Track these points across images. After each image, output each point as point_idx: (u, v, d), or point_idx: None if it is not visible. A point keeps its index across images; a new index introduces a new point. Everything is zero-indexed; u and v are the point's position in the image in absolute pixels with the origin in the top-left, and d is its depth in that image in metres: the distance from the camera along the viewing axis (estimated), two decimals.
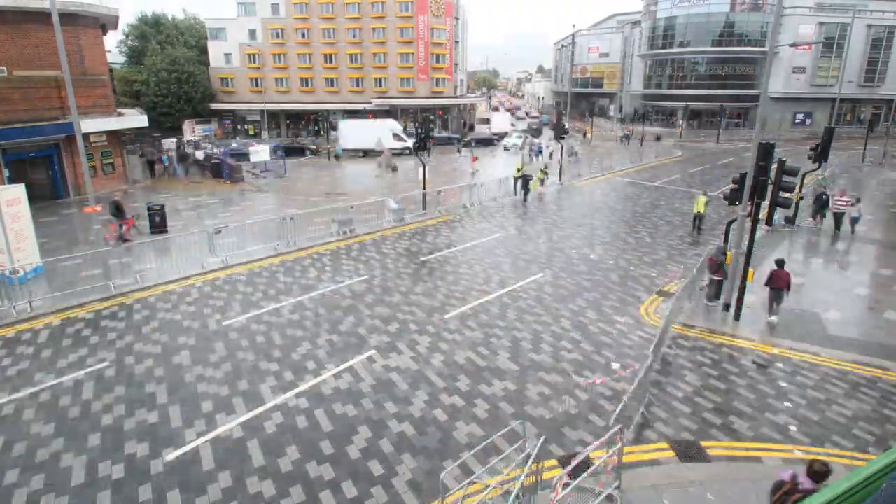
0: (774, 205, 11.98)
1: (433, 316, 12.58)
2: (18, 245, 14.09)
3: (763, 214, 12.41)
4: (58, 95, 22.78)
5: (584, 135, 53.27)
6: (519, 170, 26.12)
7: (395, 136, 42.39)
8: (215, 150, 36.56)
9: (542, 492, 6.87)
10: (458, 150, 45.97)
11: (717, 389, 9.60)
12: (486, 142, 51.18)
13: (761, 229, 15.53)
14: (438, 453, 7.86)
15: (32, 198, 15.54)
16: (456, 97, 64.11)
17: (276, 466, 7.56)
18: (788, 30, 54.86)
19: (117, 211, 18.53)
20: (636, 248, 18.13)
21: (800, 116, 60.58)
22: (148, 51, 54.24)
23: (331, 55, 57.68)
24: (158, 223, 19.73)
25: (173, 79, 51.50)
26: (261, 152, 32.57)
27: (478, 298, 13.61)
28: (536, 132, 56.88)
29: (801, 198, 20.87)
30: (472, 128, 62.66)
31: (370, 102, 57.47)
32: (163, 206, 20.13)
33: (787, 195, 11.97)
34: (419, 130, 22.04)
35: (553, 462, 7.67)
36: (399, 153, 40.03)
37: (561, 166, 31.68)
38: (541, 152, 39.91)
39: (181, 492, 7.08)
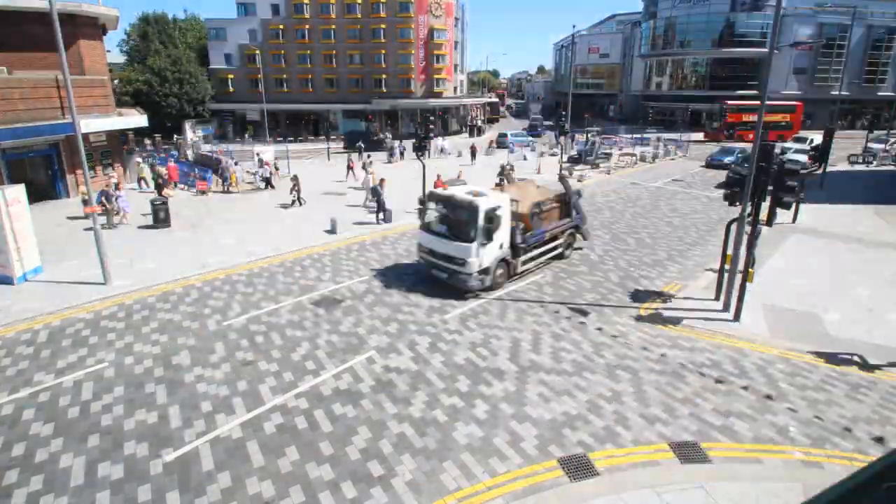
0: (775, 205, 11.98)
1: (433, 316, 12.58)
2: (18, 245, 14.10)
3: (763, 215, 12.37)
4: (57, 95, 22.78)
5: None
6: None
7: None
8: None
9: None
10: None
11: (716, 390, 9.60)
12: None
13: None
14: (438, 454, 7.85)
15: (32, 198, 15.53)
16: (456, 98, 64.17)
17: (276, 467, 7.55)
18: (789, 30, 54.93)
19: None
20: (636, 248, 18.13)
21: None
22: (150, 51, 54.20)
23: (330, 55, 57.68)
24: (162, 219, 19.80)
25: (175, 79, 51.52)
26: (266, 153, 32.65)
27: (477, 299, 13.62)
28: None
29: (802, 199, 20.85)
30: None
31: (370, 103, 57.49)
32: (165, 202, 20.24)
33: (787, 196, 11.98)
34: (418, 131, 22.08)
35: (553, 462, 7.67)
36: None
37: (560, 166, 31.71)
38: None
39: (180, 492, 7.08)
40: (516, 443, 8.10)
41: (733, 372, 10.23)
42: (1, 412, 8.79)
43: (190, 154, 35.05)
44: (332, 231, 19.33)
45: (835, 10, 56.61)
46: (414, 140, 22.60)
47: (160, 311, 12.81)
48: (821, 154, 25.70)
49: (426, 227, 14.29)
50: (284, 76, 58.30)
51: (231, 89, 58.30)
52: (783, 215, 19.25)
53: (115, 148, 27.63)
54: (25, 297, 13.29)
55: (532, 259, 14.95)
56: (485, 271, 13.33)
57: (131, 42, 60.10)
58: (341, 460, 7.69)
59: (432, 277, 14.31)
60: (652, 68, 67.70)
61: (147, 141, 45.61)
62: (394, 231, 19.96)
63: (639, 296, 13.99)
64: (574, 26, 46.36)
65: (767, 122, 50.21)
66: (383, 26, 56.38)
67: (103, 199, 19.27)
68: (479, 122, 68.31)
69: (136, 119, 29.07)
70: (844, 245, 17.86)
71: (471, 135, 61.03)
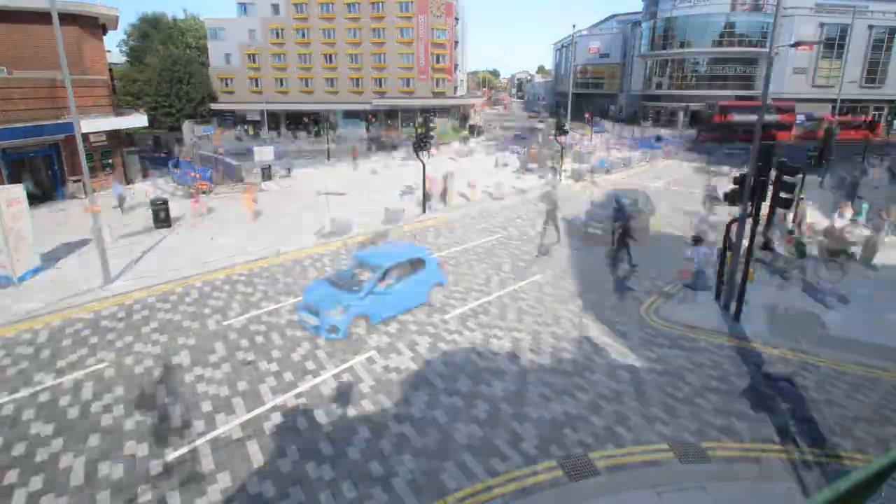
0: (775, 205, 11.97)
1: (433, 316, 12.58)
2: (18, 245, 14.10)
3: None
4: (57, 95, 22.78)
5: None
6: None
7: None
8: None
9: None
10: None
11: (716, 390, 9.60)
12: None
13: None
14: (438, 454, 7.85)
15: (32, 198, 15.53)
16: (456, 97, 64.15)
17: (276, 467, 7.55)
18: (789, 30, 54.88)
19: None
20: (636, 248, 18.09)
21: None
22: (150, 50, 54.25)
23: (330, 55, 57.69)
24: (163, 219, 19.82)
25: (175, 78, 51.54)
26: (265, 152, 32.98)
27: (478, 299, 13.62)
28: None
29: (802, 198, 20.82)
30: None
31: (370, 103, 57.48)
32: (166, 202, 20.25)
33: (787, 196, 11.95)
34: (419, 130, 22.07)
35: (553, 462, 7.67)
36: None
37: (561, 166, 31.74)
38: None
39: (181, 492, 7.08)
40: (516, 443, 8.10)
41: (733, 372, 10.22)
42: (1, 412, 8.80)
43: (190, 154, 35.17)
44: (333, 232, 19.33)
45: (835, 9, 56.57)
46: (413, 140, 22.59)
47: (160, 311, 12.81)
48: (820, 154, 25.74)
49: None
50: (284, 76, 58.31)
51: (231, 89, 58.31)
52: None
53: (115, 148, 27.64)
54: (25, 297, 13.29)
55: None
56: None
57: (131, 42, 60.08)
58: (341, 460, 7.69)
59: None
60: (652, 68, 67.65)
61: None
62: (396, 230, 19.96)
63: (639, 295, 13.99)
64: (574, 26, 46.35)
65: None
66: (383, 26, 56.38)
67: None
68: (479, 123, 68.32)
69: (136, 119, 29.09)
70: None
71: (470, 134, 60.96)
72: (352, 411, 8.84)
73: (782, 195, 11.79)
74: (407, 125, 57.34)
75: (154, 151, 40.89)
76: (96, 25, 27.26)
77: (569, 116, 41.12)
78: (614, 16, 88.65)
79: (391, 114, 59.64)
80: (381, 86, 58.40)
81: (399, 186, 27.05)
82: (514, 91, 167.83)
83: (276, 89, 58.39)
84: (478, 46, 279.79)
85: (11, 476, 7.35)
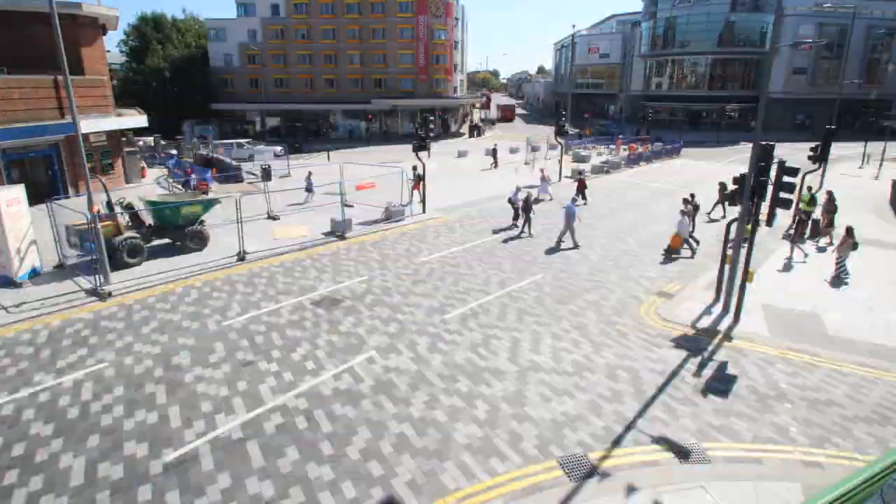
0: (775, 205, 11.97)
1: (433, 316, 12.58)
2: (19, 245, 14.09)
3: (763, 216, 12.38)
4: (57, 96, 22.77)
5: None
6: None
7: None
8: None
9: None
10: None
11: (716, 390, 9.60)
12: None
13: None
14: (438, 454, 7.85)
15: (32, 198, 15.51)
16: (456, 97, 64.20)
17: (276, 467, 7.55)
18: (789, 30, 54.94)
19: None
20: (636, 248, 18.12)
21: (800, 117, 60.60)
22: (149, 51, 54.27)
23: (331, 55, 57.72)
24: None
25: (175, 79, 51.54)
26: (264, 152, 33.15)
27: (477, 299, 13.62)
28: None
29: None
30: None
31: (370, 102, 57.50)
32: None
33: (787, 196, 11.95)
34: (419, 131, 22.13)
35: (553, 462, 7.67)
36: None
37: (561, 164, 31.77)
38: None
39: (180, 493, 7.07)
40: (516, 443, 8.10)
41: (733, 372, 10.22)
42: (1, 412, 8.79)
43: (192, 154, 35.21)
44: (333, 232, 19.34)
45: (835, 9, 56.60)
46: (414, 140, 22.61)
47: (160, 311, 12.81)
48: (820, 155, 25.68)
49: None
50: (284, 76, 58.32)
51: (231, 89, 58.32)
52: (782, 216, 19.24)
53: (115, 148, 27.65)
54: (25, 297, 13.29)
55: None
56: None
57: (131, 42, 60.06)
58: (341, 460, 7.69)
59: (430, 277, 14.27)
60: (652, 68, 67.68)
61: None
62: (396, 230, 19.97)
63: (639, 295, 13.99)
64: (574, 26, 46.28)
65: None
66: (383, 26, 56.44)
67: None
68: (479, 123, 68.47)
69: (136, 119, 29.09)
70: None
71: (470, 135, 61.05)
72: (352, 411, 8.84)
73: (781, 195, 11.80)
74: (407, 125, 57.44)
75: (155, 151, 40.97)
76: (96, 25, 27.25)
77: (568, 117, 41.07)
78: (614, 16, 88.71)
79: (391, 114, 59.67)
80: (381, 86, 58.44)
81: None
82: (513, 91, 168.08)
83: (276, 89, 58.40)
84: (478, 46, 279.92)
85: (11, 476, 7.35)
